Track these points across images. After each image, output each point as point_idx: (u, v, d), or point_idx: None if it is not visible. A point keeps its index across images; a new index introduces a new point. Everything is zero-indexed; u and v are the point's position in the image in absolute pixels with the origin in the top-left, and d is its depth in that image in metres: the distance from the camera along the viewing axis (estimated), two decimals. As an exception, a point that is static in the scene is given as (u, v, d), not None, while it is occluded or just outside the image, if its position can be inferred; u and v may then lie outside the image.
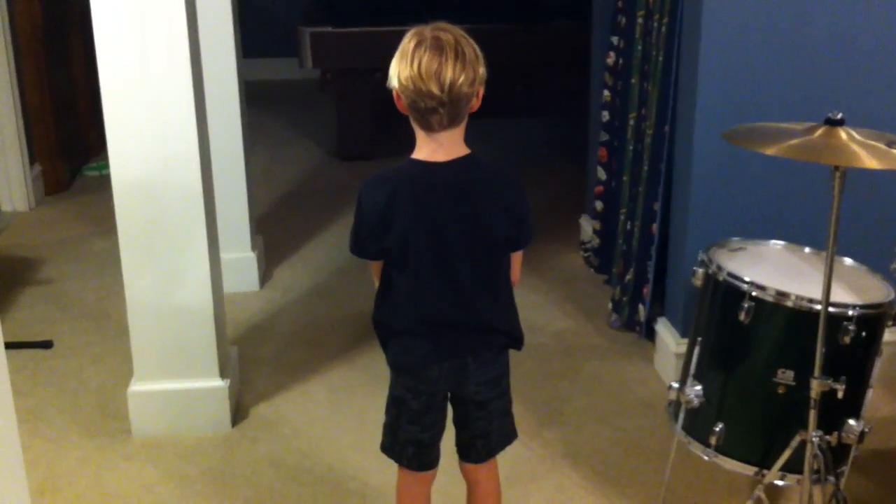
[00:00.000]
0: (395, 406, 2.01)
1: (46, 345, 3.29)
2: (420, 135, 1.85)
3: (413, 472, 2.06)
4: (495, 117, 5.96)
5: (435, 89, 1.74)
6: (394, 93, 1.81)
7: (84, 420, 2.89)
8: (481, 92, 1.82)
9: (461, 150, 1.86)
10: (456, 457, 2.11)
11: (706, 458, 2.23)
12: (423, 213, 1.84)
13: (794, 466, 2.10)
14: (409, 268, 1.88)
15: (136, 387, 2.78)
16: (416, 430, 2.00)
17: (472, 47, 1.78)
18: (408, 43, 1.78)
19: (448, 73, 1.73)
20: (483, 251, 1.89)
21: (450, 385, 1.97)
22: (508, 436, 2.08)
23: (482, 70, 1.80)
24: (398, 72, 1.77)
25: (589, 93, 4.07)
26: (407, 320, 1.93)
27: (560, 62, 5.80)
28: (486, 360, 1.96)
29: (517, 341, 2.01)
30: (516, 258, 1.98)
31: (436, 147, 1.84)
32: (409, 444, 2.02)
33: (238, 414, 2.89)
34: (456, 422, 2.06)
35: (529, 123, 6.22)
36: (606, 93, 3.66)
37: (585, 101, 4.13)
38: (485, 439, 2.04)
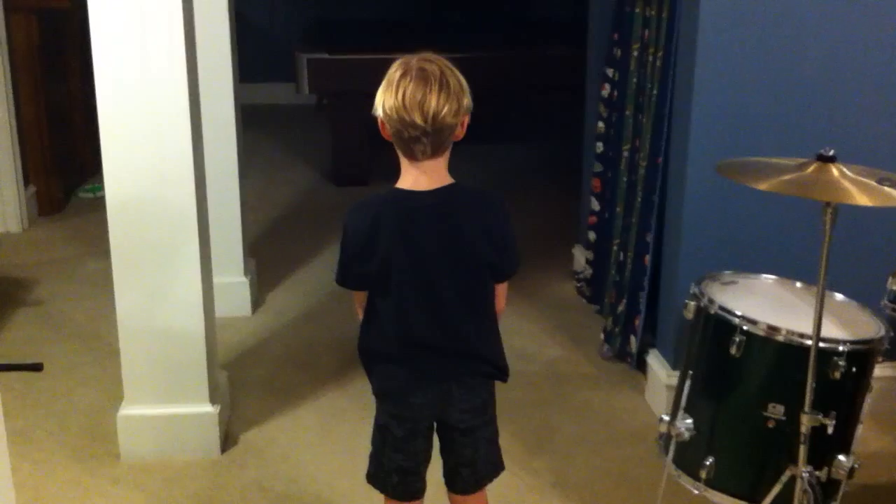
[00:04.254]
0: (380, 434, 2.01)
1: (36, 367, 3.27)
2: (404, 163, 1.87)
3: (398, 501, 2.05)
4: (490, 143, 6.01)
5: (418, 119, 1.76)
6: (379, 121, 1.84)
7: (72, 443, 2.87)
8: (466, 121, 1.84)
9: (445, 179, 1.87)
10: (444, 487, 2.10)
11: (696, 491, 2.22)
12: (406, 239, 1.86)
13: (783, 501, 2.09)
14: (392, 293, 1.89)
15: (126, 410, 2.76)
16: (400, 458, 1.99)
17: (456, 78, 1.80)
18: (393, 73, 1.80)
19: (432, 104, 1.75)
20: (466, 276, 1.90)
21: (434, 412, 1.97)
22: (496, 466, 2.07)
23: (467, 101, 1.81)
24: (383, 101, 1.80)
25: (584, 121, 4.09)
26: (390, 345, 1.94)
27: (556, 88, 5.84)
28: (470, 388, 1.96)
29: (502, 372, 2.00)
30: (501, 289, 1.98)
31: (419, 175, 1.85)
32: (393, 473, 2.01)
33: (227, 439, 2.88)
34: (442, 450, 2.05)
35: (524, 149, 6.25)
36: (601, 124, 3.68)
37: (581, 128, 4.15)
38: (471, 468, 2.03)
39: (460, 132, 1.84)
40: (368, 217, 1.86)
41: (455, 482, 2.06)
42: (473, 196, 1.91)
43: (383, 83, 1.81)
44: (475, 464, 2.03)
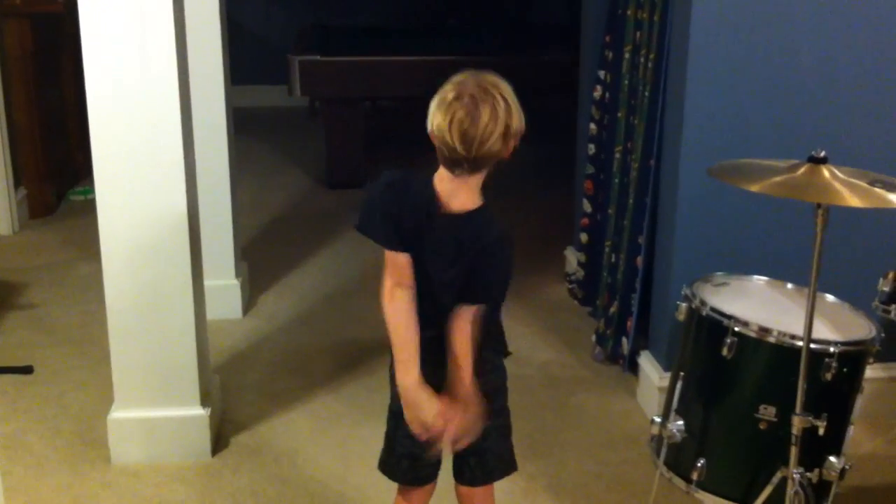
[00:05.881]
0: (394, 418, 2.03)
1: (27, 370, 3.26)
2: (443, 168, 1.85)
3: (408, 487, 2.08)
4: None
5: (460, 149, 1.75)
6: (429, 131, 1.82)
7: (64, 447, 2.86)
8: (514, 144, 1.82)
9: (474, 201, 1.86)
10: (453, 491, 2.11)
11: (688, 493, 2.23)
12: (418, 251, 1.86)
13: (775, 503, 2.09)
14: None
15: (117, 414, 2.75)
16: (411, 443, 2.00)
17: (507, 103, 1.78)
18: (447, 92, 1.77)
19: (477, 135, 1.74)
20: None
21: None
22: (507, 463, 2.07)
23: (517, 123, 1.80)
24: (433, 118, 1.78)
25: (577, 124, 4.09)
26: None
27: (553, 92, 5.84)
28: (478, 372, 1.95)
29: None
30: (466, 313, 1.88)
31: (454, 189, 1.84)
32: (403, 458, 2.04)
33: (219, 442, 2.87)
34: None
35: (520, 153, 6.23)
36: (593, 126, 3.69)
37: (574, 131, 4.15)
38: (478, 457, 2.04)
39: (506, 154, 1.82)
40: (391, 214, 1.85)
41: (462, 472, 2.07)
42: (489, 234, 1.87)
43: (437, 98, 1.79)
44: (482, 454, 2.03)
